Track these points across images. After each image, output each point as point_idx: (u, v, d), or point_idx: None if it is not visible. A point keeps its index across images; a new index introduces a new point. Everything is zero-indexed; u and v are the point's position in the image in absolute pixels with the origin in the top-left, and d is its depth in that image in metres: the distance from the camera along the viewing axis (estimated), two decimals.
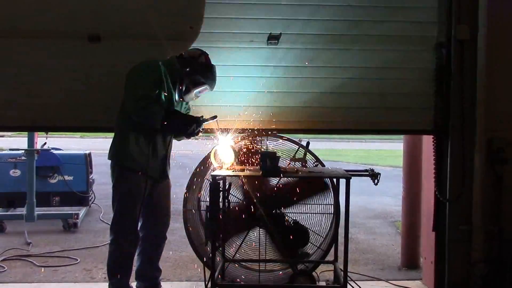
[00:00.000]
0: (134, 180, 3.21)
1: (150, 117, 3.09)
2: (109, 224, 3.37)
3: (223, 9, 3.58)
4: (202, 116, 3.22)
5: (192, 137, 3.24)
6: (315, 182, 3.54)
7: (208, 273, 3.28)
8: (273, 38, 3.59)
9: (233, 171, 3.29)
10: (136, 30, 3.54)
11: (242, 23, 3.59)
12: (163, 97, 3.17)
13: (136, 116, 3.11)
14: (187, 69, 3.24)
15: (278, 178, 3.48)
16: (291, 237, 3.48)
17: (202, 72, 3.26)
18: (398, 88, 3.70)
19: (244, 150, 3.52)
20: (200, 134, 3.25)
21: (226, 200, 3.31)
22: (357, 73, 3.67)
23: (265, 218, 3.44)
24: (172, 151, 3.46)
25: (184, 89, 3.28)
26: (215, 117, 3.25)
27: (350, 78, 3.67)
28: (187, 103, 3.47)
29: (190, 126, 3.15)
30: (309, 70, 3.66)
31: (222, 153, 3.37)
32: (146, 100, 3.06)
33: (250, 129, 3.60)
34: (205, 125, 3.25)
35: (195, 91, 3.29)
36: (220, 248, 3.53)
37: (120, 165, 3.24)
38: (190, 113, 3.50)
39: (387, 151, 16.76)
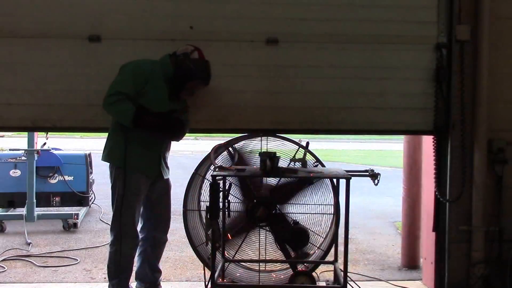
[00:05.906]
0: (131, 180, 3.20)
1: (119, 114, 3.13)
2: (109, 224, 3.37)
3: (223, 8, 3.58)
4: (177, 111, 3.27)
5: (178, 140, 3.33)
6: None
7: (208, 273, 3.29)
8: (273, 38, 3.59)
9: (232, 171, 3.29)
10: (136, 30, 3.54)
11: (242, 23, 3.59)
12: (150, 95, 3.16)
13: (107, 111, 3.17)
14: (181, 66, 3.21)
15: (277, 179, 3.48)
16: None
17: (195, 67, 3.22)
18: (398, 88, 3.68)
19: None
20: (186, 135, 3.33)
21: (226, 200, 3.31)
22: (357, 73, 3.67)
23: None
24: (171, 151, 3.47)
25: (179, 86, 3.25)
26: (186, 107, 3.36)
27: (350, 78, 3.66)
28: (185, 102, 3.45)
29: (174, 128, 3.23)
30: (308, 70, 3.65)
31: (222, 153, 3.37)
32: (116, 96, 3.09)
33: (249, 129, 3.59)
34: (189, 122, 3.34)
35: (190, 88, 3.28)
36: (220, 248, 3.53)
37: (114, 165, 3.24)
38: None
39: (387, 151, 16.74)
